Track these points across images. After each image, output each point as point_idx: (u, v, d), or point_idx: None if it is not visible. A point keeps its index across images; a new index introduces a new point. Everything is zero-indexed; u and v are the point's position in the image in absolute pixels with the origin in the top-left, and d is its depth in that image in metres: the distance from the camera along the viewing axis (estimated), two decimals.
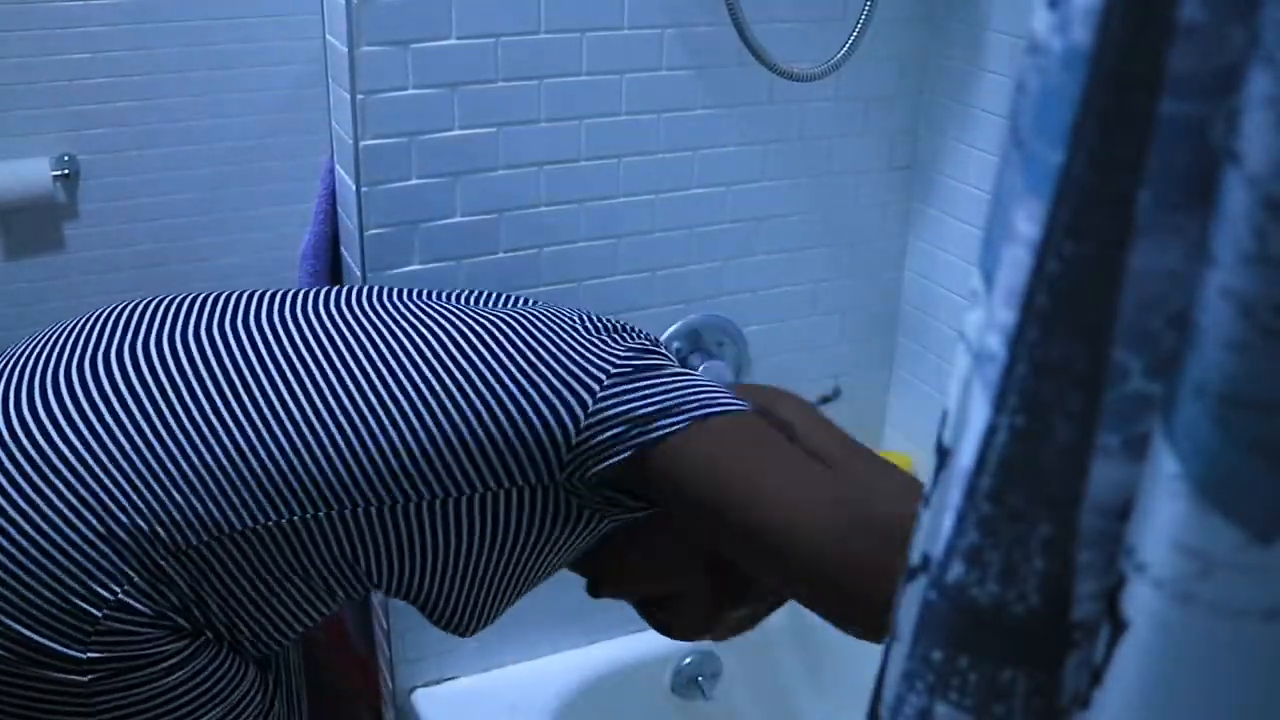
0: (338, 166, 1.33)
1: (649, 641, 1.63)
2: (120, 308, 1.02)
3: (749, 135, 1.43)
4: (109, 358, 0.95)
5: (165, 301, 1.03)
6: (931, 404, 1.61)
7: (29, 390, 0.93)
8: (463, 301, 1.09)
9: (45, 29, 1.84)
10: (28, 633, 0.86)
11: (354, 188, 1.26)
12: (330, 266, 1.41)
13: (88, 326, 1.00)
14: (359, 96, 1.21)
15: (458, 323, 0.99)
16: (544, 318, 1.01)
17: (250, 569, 0.92)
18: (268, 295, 1.04)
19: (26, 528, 0.87)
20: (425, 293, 1.08)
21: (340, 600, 1.00)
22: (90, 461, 0.89)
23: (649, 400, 0.94)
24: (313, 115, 1.89)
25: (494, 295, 1.12)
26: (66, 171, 1.90)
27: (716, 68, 1.37)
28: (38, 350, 0.98)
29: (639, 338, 1.02)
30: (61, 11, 1.84)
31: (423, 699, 1.48)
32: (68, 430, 0.90)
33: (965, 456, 0.49)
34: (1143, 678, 0.44)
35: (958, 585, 0.49)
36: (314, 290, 1.06)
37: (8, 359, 0.99)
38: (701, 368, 1.46)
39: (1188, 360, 0.41)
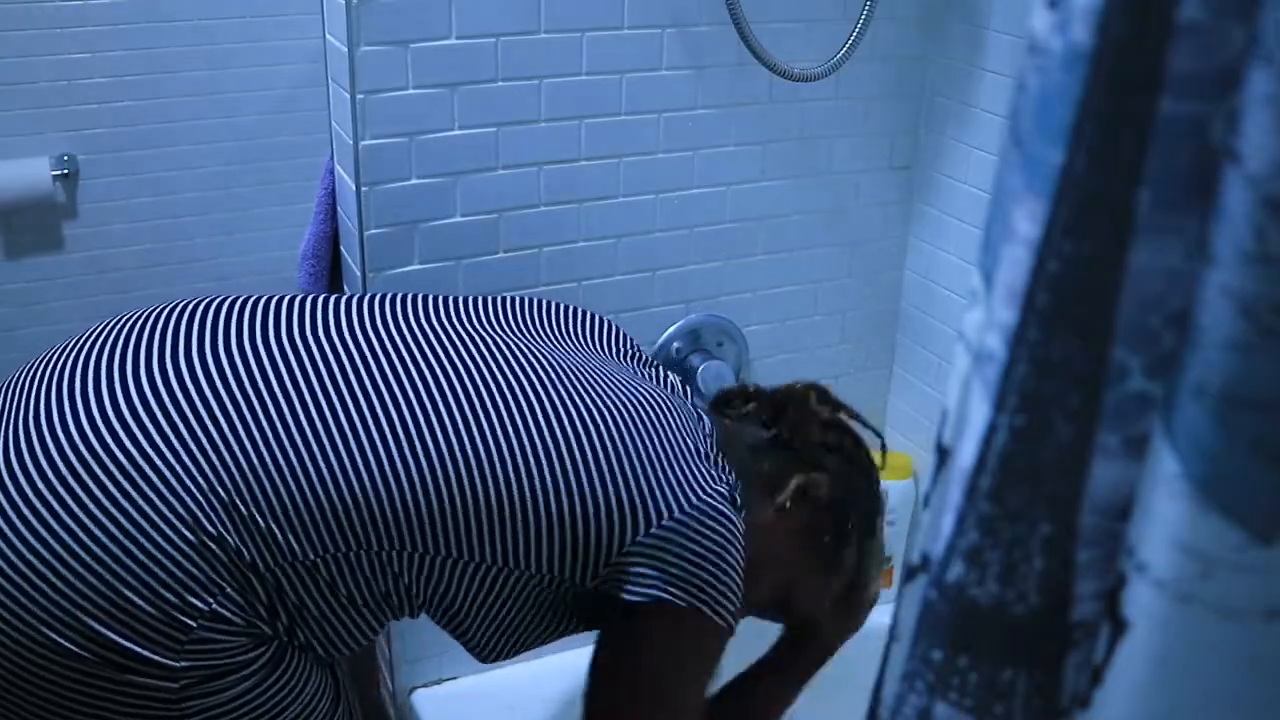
0: (337, 166, 1.33)
1: None
2: (195, 304, 1.01)
3: (749, 135, 1.43)
4: (192, 361, 0.93)
5: (244, 301, 1.01)
6: (931, 404, 1.61)
7: (112, 387, 0.92)
8: (577, 331, 1.11)
9: (45, 29, 1.83)
10: (124, 642, 0.87)
11: (354, 187, 1.26)
12: (330, 266, 1.41)
13: (162, 321, 0.98)
14: (359, 96, 1.21)
15: (577, 390, 0.99)
16: (659, 414, 1.01)
17: (318, 591, 0.94)
18: (357, 301, 1.03)
19: (123, 539, 0.87)
20: (535, 314, 1.10)
21: (397, 617, 1.02)
22: (181, 473, 0.88)
23: (686, 562, 0.97)
24: (313, 115, 1.89)
25: (626, 343, 1.14)
26: (66, 171, 1.90)
27: (716, 68, 1.37)
28: (112, 343, 0.96)
29: (726, 482, 1.02)
30: (61, 11, 1.84)
31: (422, 699, 1.48)
32: (157, 438, 0.89)
33: (965, 456, 0.49)
34: (1143, 677, 0.44)
35: (958, 585, 0.49)
36: (387, 297, 1.05)
37: (78, 348, 0.97)
38: (701, 368, 1.46)
39: (1188, 360, 0.41)
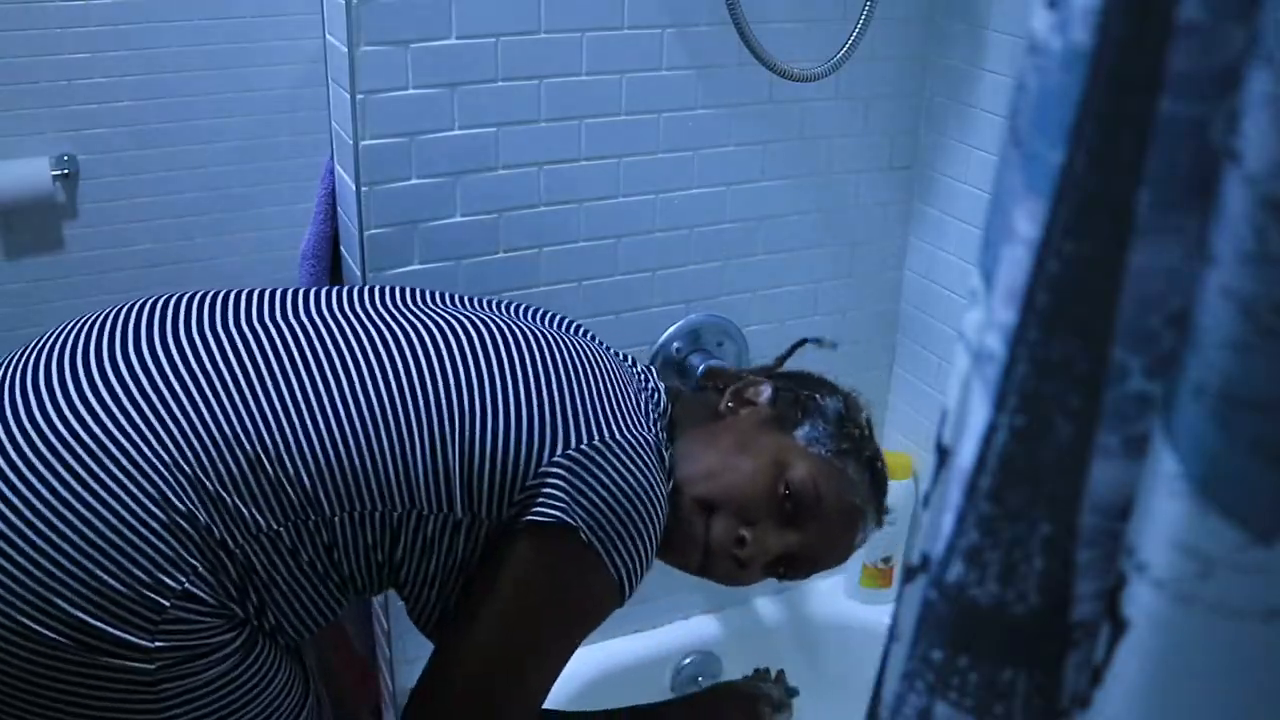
0: (338, 166, 1.33)
1: (649, 641, 1.63)
2: (155, 300, 1.03)
3: (749, 135, 1.43)
4: (153, 348, 0.96)
5: (200, 295, 1.04)
6: (931, 404, 1.61)
7: (75, 378, 0.93)
8: (512, 312, 1.11)
9: (45, 28, 1.83)
10: (97, 623, 0.88)
11: (354, 187, 1.26)
12: (330, 266, 1.41)
13: (122, 317, 1.00)
14: (359, 96, 1.21)
15: (504, 332, 1.01)
16: (593, 361, 1.03)
17: (283, 563, 0.95)
18: (299, 293, 1.06)
19: (93, 519, 0.88)
20: (463, 298, 1.12)
21: (358, 591, 1.02)
22: (147, 451, 0.90)
23: (601, 492, 0.97)
24: (313, 115, 1.89)
25: (558, 319, 1.15)
26: (66, 171, 1.90)
27: (716, 67, 1.37)
28: (74, 339, 0.98)
29: (655, 430, 1.02)
30: (62, 11, 1.84)
31: None
32: (121, 419, 0.91)
33: (965, 456, 0.49)
34: (1143, 677, 0.44)
35: (958, 585, 0.49)
36: (341, 289, 1.08)
37: (40, 347, 0.99)
38: (702, 368, 1.46)
39: (1187, 360, 0.41)
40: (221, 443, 0.92)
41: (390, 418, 0.95)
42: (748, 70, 1.36)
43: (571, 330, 1.15)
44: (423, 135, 1.26)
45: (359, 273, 1.30)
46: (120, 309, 1.02)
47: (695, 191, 1.42)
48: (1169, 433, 0.42)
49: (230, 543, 0.92)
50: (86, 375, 0.94)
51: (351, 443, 0.94)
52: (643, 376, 1.12)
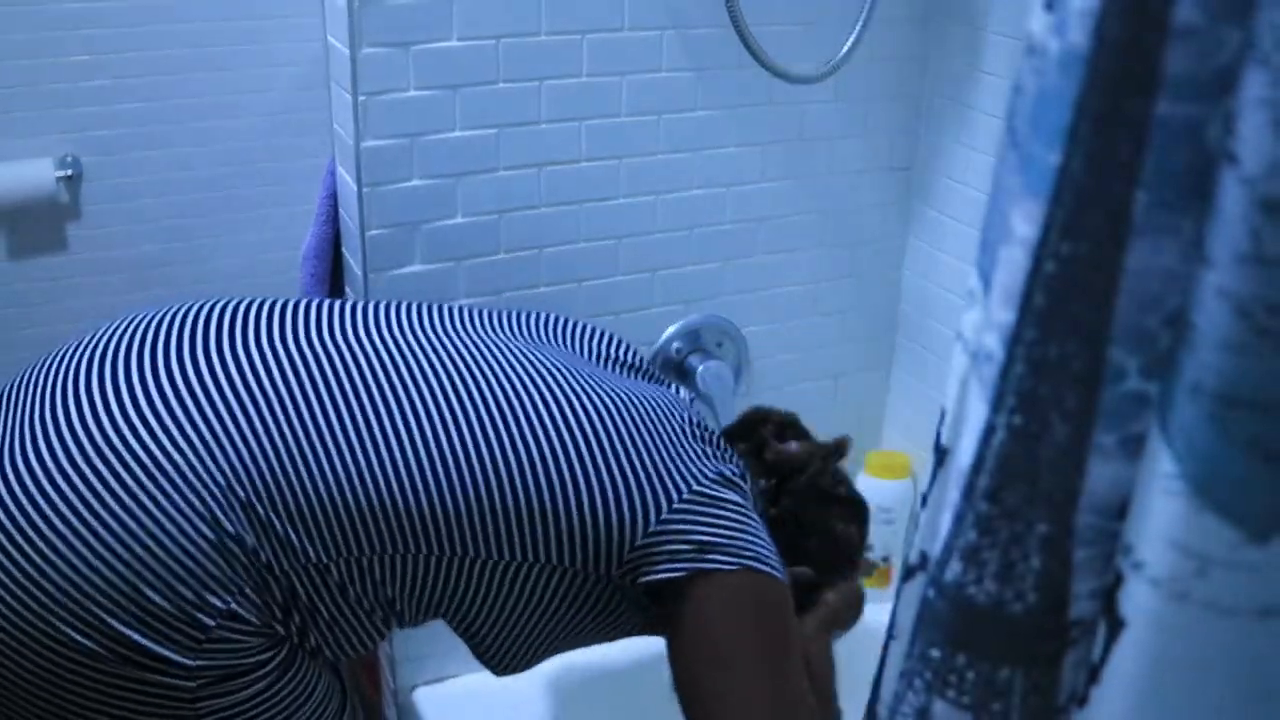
0: (339, 168, 1.33)
1: (650, 642, 1.63)
2: (200, 306, 1.01)
3: (749, 136, 1.43)
4: (210, 360, 0.94)
5: (245, 303, 1.02)
6: (930, 404, 1.61)
7: (130, 385, 0.92)
8: (574, 341, 1.11)
9: (49, 30, 1.84)
10: (143, 640, 0.87)
11: (355, 189, 1.26)
12: (332, 267, 1.41)
13: (166, 323, 0.98)
14: (360, 98, 1.22)
15: (578, 390, 1.00)
16: (656, 408, 1.02)
17: (329, 594, 0.94)
18: (360, 307, 1.04)
19: (143, 535, 0.86)
20: (536, 325, 1.10)
21: (400, 624, 1.02)
22: (200, 470, 0.88)
23: (715, 530, 0.97)
24: (314, 117, 1.89)
25: (604, 337, 1.14)
26: (70, 173, 1.90)
27: (716, 69, 1.38)
28: (110, 348, 0.96)
29: (729, 459, 1.04)
30: (65, 13, 1.84)
31: (423, 697, 1.48)
32: (176, 435, 0.89)
33: (963, 456, 0.49)
34: (1140, 675, 0.45)
35: (956, 584, 0.49)
36: (398, 306, 1.06)
37: (80, 352, 0.96)
38: (701, 368, 1.47)
39: (1184, 360, 0.41)
40: (278, 469, 0.90)
41: (469, 468, 0.93)
42: (747, 72, 1.36)
43: (608, 344, 1.14)
44: (424, 136, 1.26)
45: (360, 274, 1.30)
46: (160, 315, 1.00)
47: (695, 192, 1.43)
48: (1165, 432, 0.42)
49: (276, 567, 0.91)
50: (140, 382, 0.92)
51: (433, 487, 0.92)
52: (691, 405, 1.11)
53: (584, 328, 1.15)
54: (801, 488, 1.15)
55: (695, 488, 0.98)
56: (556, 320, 1.14)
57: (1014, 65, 1.23)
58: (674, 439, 1.00)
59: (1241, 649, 0.43)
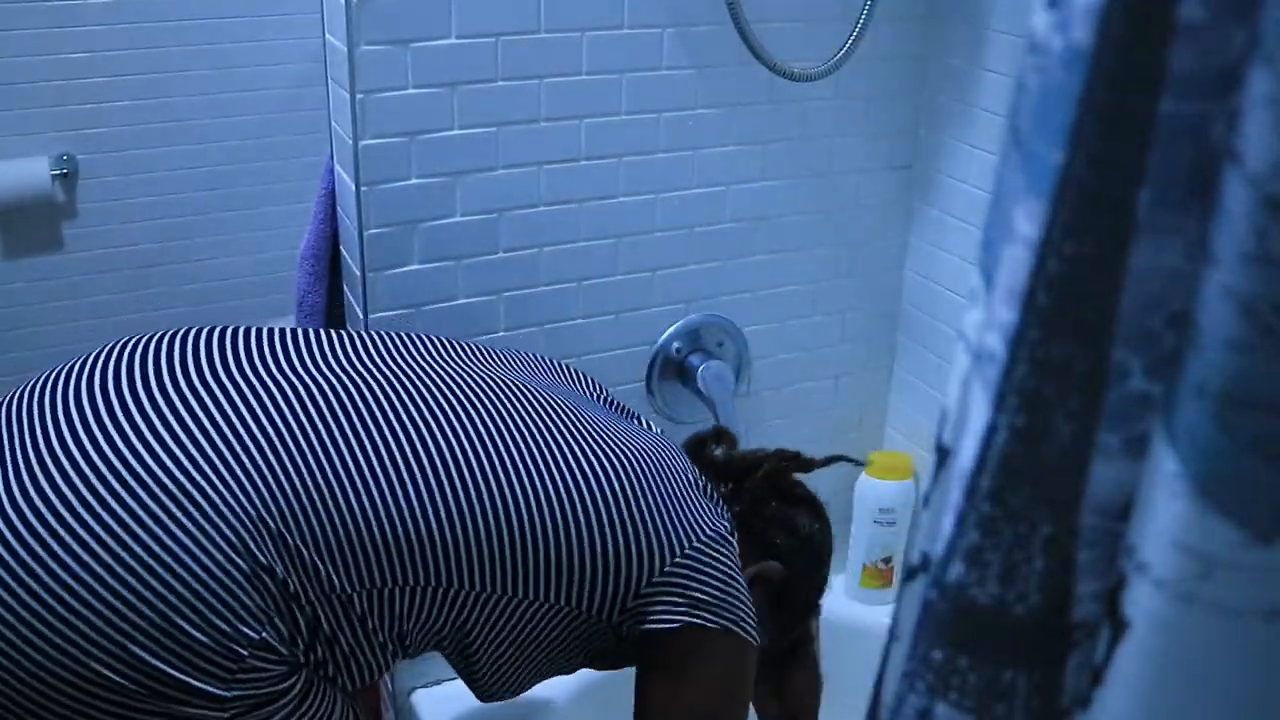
0: (337, 166, 1.33)
1: None
2: (212, 328, 1.01)
3: (749, 135, 1.43)
4: (234, 381, 0.93)
5: (262, 331, 1.02)
6: (931, 404, 1.61)
7: (158, 409, 0.90)
8: (567, 375, 1.16)
9: (44, 28, 1.84)
10: (176, 673, 0.85)
11: (353, 187, 1.26)
12: (330, 266, 1.41)
13: (179, 344, 0.97)
14: (358, 96, 1.21)
15: (597, 436, 1.04)
16: (662, 457, 1.06)
17: (349, 625, 0.95)
18: (362, 337, 1.05)
19: (176, 567, 0.85)
20: (526, 356, 1.15)
21: (409, 654, 1.04)
22: (231, 501, 0.87)
23: (708, 589, 1.03)
24: (312, 115, 1.89)
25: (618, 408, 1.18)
26: (65, 171, 1.90)
27: (716, 67, 1.37)
28: (123, 367, 0.94)
29: (721, 513, 1.09)
30: (60, 10, 1.84)
31: (422, 699, 1.48)
32: (204, 465, 0.88)
33: (965, 456, 0.49)
34: (1144, 678, 0.44)
35: (958, 585, 0.49)
36: (408, 337, 1.08)
37: (73, 379, 0.94)
38: (701, 368, 1.46)
39: (1188, 360, 0.41)
40: (306, 500, 0.89)
41: (503, 506, 0.96)
42: (748, 70, 1.36)
43: (590, 382, 1.19)
44: (422, 135, 1.26)
45: (358, 273, 1.30)
46: (169, 335, 0.99)
47: (695, 191, 1.42)
48: (1169, 433, 0.42)
49: (303, 596, 0.90)
50: (156, 411, 0.90)
51: (459, 521, 0.94)
52: (661, 432, 1.16)
53: (563, 365, 1.20)
54: (759, 484, 1.19)
55: (695, 543, 1.03)
56: (539, 356, 1.18)
57: (1016, 63, 1.23)
58: (680, 491, 1.05)
59: (1247, 651, 0.43)
